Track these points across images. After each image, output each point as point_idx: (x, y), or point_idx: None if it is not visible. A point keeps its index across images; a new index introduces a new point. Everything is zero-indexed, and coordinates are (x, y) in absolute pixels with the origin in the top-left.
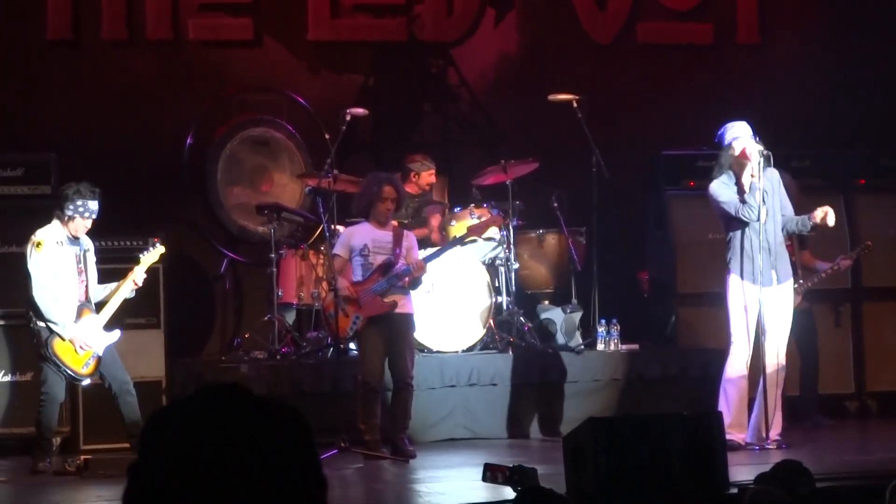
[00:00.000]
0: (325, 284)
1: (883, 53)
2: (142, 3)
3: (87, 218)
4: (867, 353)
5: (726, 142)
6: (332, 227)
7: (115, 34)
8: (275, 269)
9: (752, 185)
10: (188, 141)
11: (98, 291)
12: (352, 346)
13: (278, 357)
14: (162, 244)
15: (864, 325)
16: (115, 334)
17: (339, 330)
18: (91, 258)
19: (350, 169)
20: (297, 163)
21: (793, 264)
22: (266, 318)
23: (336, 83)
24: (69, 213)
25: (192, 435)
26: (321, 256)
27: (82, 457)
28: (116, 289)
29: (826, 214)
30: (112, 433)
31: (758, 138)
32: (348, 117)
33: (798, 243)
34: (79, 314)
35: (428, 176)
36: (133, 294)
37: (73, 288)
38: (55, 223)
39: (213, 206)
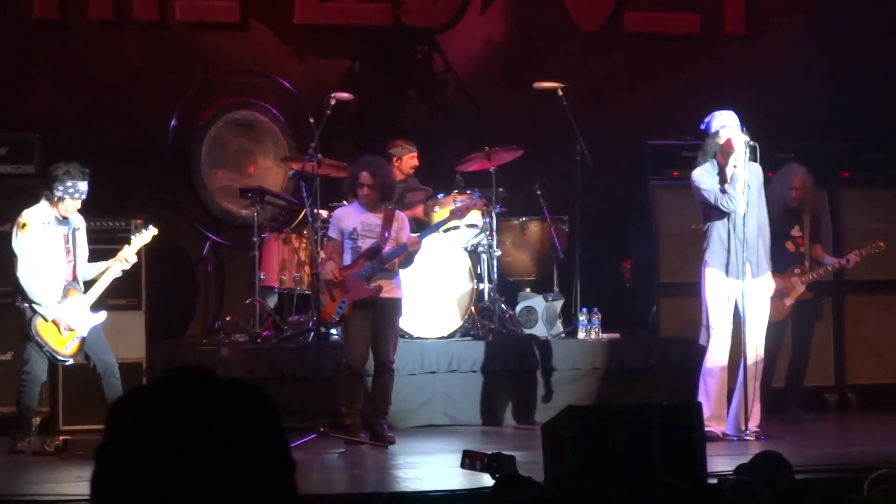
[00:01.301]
0: (307, 268)
1: (869, 46)
2: None
3: (77, 199)
4: (848, 345)
5: (713, 129)
6: (316, 211)
7: (102, 14)
8: (257, 253)
9: (735, 175)
10: (173, 123)
11: (87, 270)
12: (333, 331)
13: (259, 340)
14: (155, 226)
15: (846, 317)
16: (102, 315)
17: (325, 315)
18: (81, 237)
19: (334, 153)
20: (282, 146)
21: (801, 255)
22: (248, 302)
23: (322, 67)
24: (59, 193)
25: (157, 418)
26: (304, 240)
27: (61, 437)
28: (106, 269)
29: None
30: (91, 414)
31: (744, 129)
32: (333, 102)
33: (810, 236)
34: (65, 294)
35: (410, 159)
36: (121, 274)
37: (60, 268)
38: (43, 203)
39: (196, 188)
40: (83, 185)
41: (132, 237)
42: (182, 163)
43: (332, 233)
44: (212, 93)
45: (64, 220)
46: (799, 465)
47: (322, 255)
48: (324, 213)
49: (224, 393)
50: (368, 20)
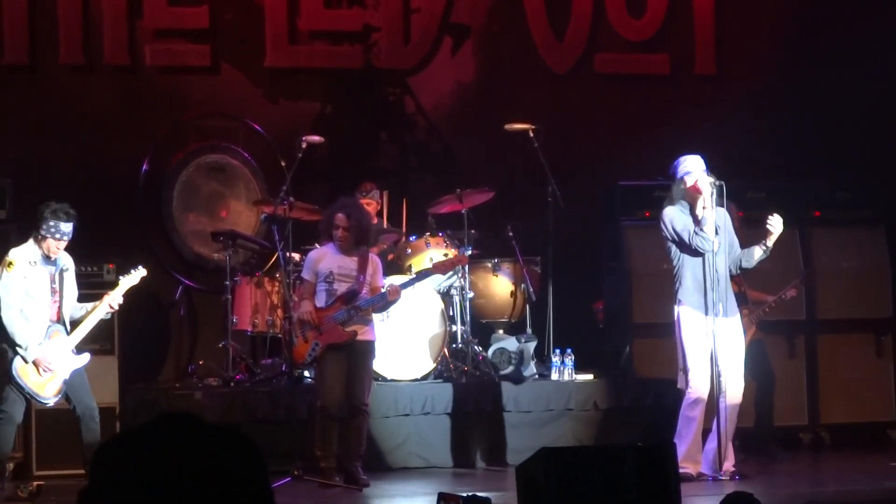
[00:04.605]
0: (280, 312)
1: (838, 86)
2: (99, 29)
3: (58, 239)
4: (821, 384)
5: (679, 175)
6: (288, 254)
7: (73, 59)
8: (230, 297)
9: (704, 218)
10: (144, 167)
11: (75, 310)
12: (306, 373)
13: (232, 384)
14: (144, 267)
15: (819, 356)
16: (85, 358)
17: (298, 356)
18: (69, 277)
19: (306, 196)
20: (253, 190)
21: (743, 294)
22: (220, 345)
23: (293, 110)
24: (42, 232)
25: (145, 462)
26: (276, 284)
27: (35, 483)
28: (92, 310)
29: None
30: (65, 459)
31: (709, 172)
32: (304, 144)
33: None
34: (48, 336)
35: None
36: (109, 316)
37: (45, 308)
38: (30, 242)
39: (168, 232)
40: (66, 227)
41: (121, 278)
42: (154, 207)
43: (305, 274)
44: (183, 136)
45: (51, 260)
46: None
47: (295, 297)
48: (296, 256)
49: (211, 440)
50: (339, 63)
